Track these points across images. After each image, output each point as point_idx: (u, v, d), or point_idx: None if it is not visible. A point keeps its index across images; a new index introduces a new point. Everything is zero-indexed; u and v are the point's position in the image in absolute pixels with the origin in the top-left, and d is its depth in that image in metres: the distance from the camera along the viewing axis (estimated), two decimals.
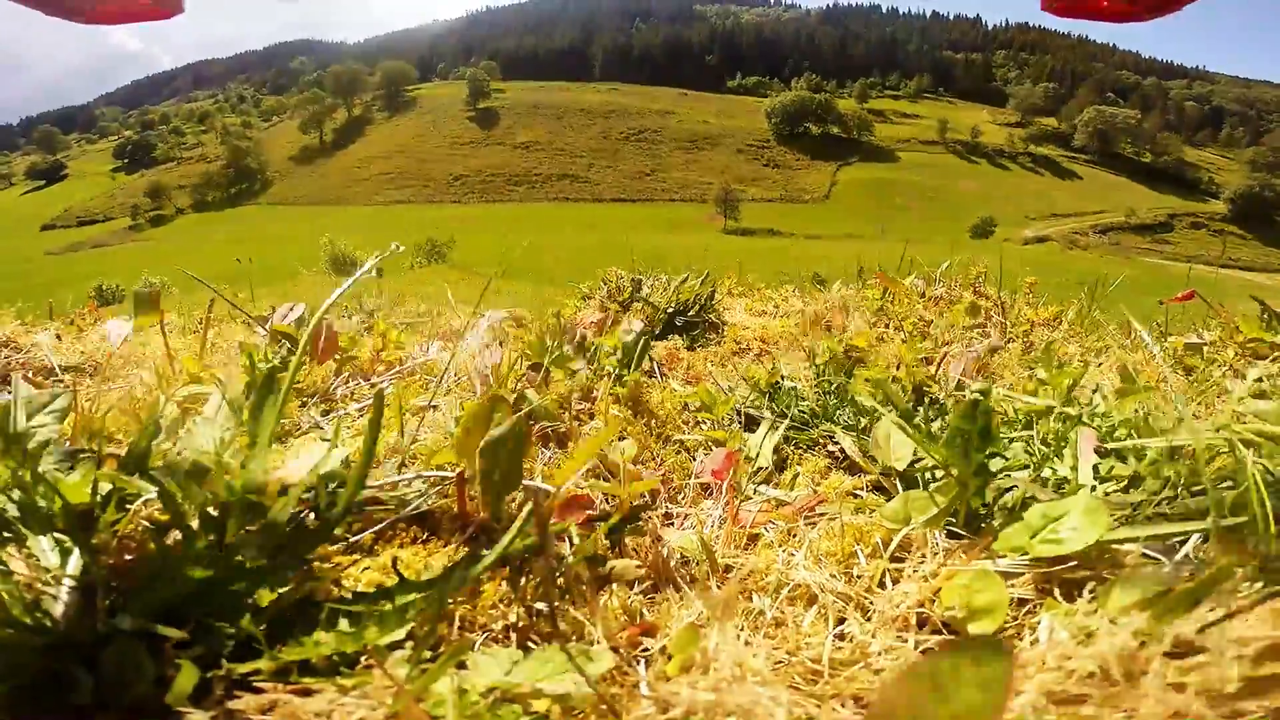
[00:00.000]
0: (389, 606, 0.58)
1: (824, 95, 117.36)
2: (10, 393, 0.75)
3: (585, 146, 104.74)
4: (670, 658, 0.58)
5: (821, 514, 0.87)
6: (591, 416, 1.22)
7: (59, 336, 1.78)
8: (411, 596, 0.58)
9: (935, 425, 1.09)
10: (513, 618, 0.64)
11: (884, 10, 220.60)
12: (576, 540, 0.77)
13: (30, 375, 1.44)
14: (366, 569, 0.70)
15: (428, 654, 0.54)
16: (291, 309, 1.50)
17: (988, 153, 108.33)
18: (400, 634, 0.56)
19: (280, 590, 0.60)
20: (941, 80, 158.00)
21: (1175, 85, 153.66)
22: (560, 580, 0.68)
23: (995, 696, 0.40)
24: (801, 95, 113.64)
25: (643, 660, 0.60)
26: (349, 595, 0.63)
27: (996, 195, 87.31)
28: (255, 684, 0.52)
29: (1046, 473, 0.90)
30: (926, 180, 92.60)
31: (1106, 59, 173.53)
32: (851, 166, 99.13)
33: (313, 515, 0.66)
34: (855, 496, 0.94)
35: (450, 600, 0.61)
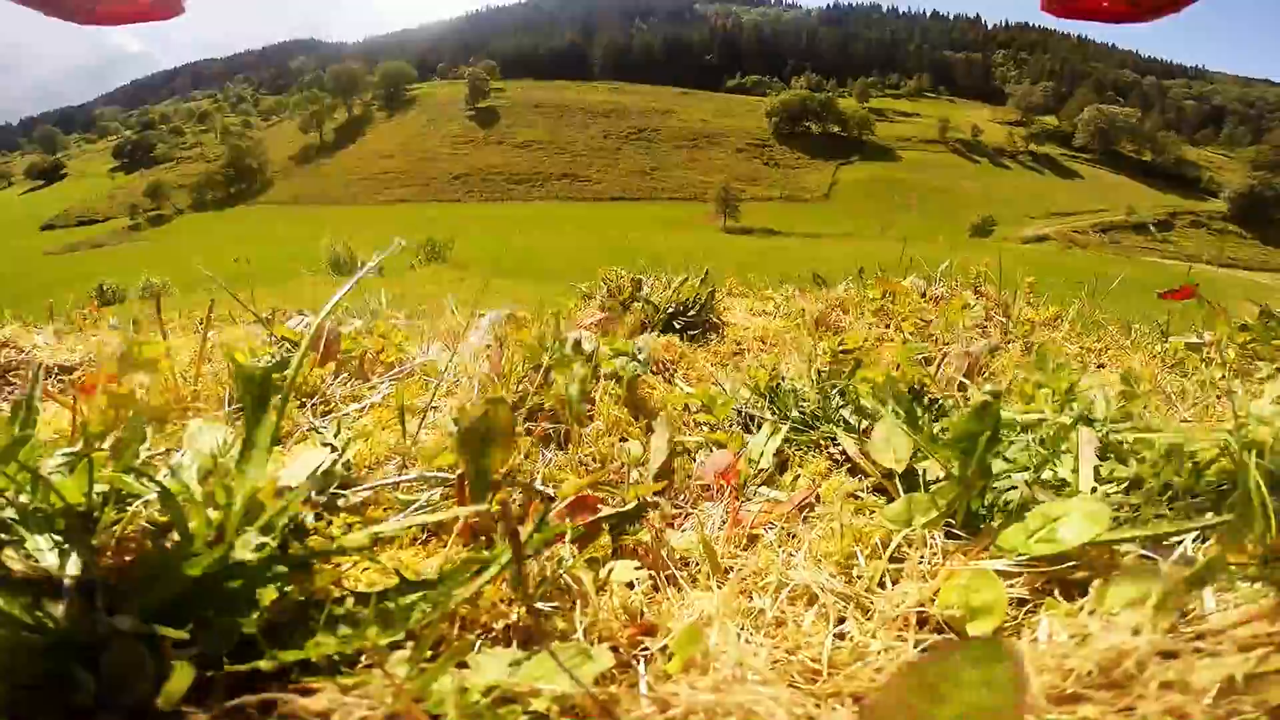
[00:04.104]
0: (389, 607, 0.58)
1: (825, 94, 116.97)
2: (10, 395, 0.76)
3: (585, 145, 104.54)
4: (671, 657, 0.58)
5: (820, 514, 0.87)
6: (592, 418, 1.22)
7: (59, 336, 1.78)
8: (412, 598, 0.58)
9: (937, 427, 1.09)
10: (513, 618, 0.64)
11: (884, 10, 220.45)
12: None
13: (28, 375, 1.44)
14: (367, 569, 0.70)
15: (428, 654, 0.54)
16: (304, 319, 1.50)
17: (988, 152, 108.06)
18: (400, 634, 0.56)
19: (280, 590, 0.60)
20: (942, 80, 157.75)
21: (1174, 85, 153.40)
22: (561, 580, 0.68)
23: (1006, 696, 0.40)
24: (802, 94, 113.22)
25: (642, 660, 0.60)
26: (349, 595, 0.63)
27: (997, 194, 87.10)
28: (255, 683, 0.52)
29: (1047, 474, 0.90)
30: (927, 179, 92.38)
31: (1105, 59, 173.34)
32: (852, 165, 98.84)
33: (313, 518, 0.66)
34: (856, 498, 0.94)
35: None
